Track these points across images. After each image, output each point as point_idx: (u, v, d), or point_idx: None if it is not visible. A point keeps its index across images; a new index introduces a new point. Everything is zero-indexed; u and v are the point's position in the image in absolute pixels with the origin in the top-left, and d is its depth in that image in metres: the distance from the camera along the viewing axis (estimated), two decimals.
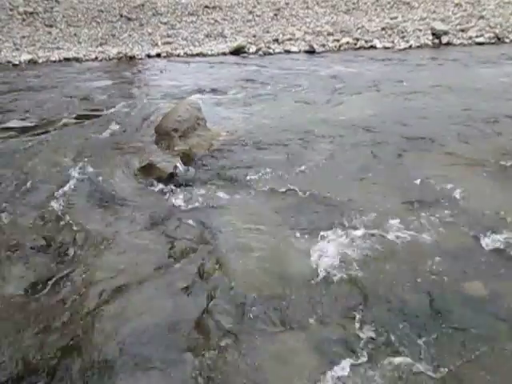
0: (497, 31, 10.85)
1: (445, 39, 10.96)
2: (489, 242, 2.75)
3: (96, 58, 12.62)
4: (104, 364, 2.05)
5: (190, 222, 3.25)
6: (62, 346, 2.16)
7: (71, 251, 2.94)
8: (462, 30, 11.30)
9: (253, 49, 12.07)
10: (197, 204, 3.49)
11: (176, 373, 1.99)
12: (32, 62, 12.29)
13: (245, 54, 11.81)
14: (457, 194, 3.32)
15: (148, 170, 4.02)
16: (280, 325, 2.23)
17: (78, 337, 2.22)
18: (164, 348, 2.13)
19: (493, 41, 10.62)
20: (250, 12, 15.34)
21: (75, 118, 6.20)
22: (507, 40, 10.56)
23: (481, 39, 10.71)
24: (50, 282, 2.65)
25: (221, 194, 3.61)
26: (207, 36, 13.95)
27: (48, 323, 2.32)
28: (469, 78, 7.21)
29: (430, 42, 11.06)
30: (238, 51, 11.92)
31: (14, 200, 3.72)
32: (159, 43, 13.52)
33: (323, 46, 11.76)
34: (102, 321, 2.32)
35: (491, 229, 2.85)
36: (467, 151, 4.11)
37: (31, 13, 15.63)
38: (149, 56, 12.55)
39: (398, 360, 1.96)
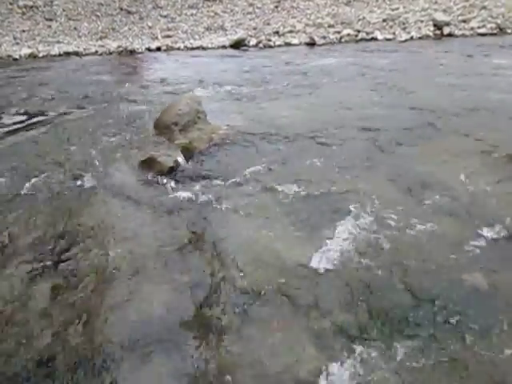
0: (499, 22, 10.75)
1: (446, 30, 10.88)
2: (489, 232, 2.76)
3: (96, 51, 12.60)
4: (104, 357, 2.08)
5: (191, 216, 3.27)
6: (63, 341, 2.19)
7: (71, 245, 2.97)
8: (464, 21, 11.20)
9: (253, 41, 12.01)
10: (197, 198, 3.50)
11: (177, 365, 2.02)
12: (32, 56, 12.28)
13: (245, 47, 11.76)
14: (458, 184, 3.33)
15: (148, 163, 4.03)
16: (282, 317, 2.25)
17: (78, 331, 2.25)
18: (165, 341, 2.15)
19: (495, 31, 10.53)
20: (251, 4, 15.25)
21: (75, 112, 6.22)
22: (509, 30, 10.48)
23: (483, 30, 10.62)
24: (51, 275, 2.68)
25: (221, 188, 3.62)
26: (207, 29, 13.90)
27: (49, 316, 2.35)
28: (474, 68, 7.17)
29: (431, 34, 10.98)
30: (238, 44, 11.86)
31: (14, 195, 3.74)
32: (159, 37, 13.48)
33: (324, 38, 11.69)
34: (102, 315, 2.35)
35: (492, 219, 2.86)
36: (471, 142, 4.10)
37: (31, 7, 15.58)
38: (149, 50, 12.52)
39: (398, 352, 1.98)
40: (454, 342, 2.02)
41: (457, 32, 10.81)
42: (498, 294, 2.29)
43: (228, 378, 1.95)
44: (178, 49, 12.41)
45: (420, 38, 10.87)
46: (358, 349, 2.02)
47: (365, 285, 2.42)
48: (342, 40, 11.56)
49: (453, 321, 2.13)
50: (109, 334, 2.21)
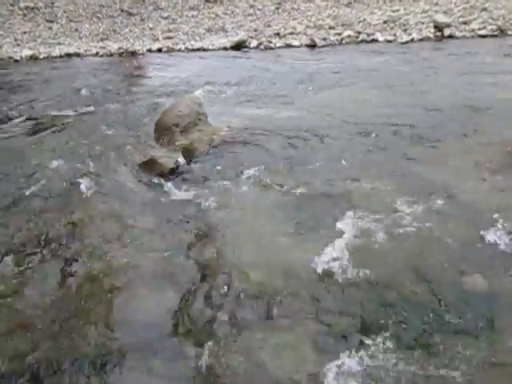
0: (499, 23, 10.73)
1: (447, 32, 10.85)
2: (490, 235, 2.76)
3: (97, 53, 12.60)
4: (106, 358, 2.08)
5: (191, 217, 3.27)
6: (64, 341, 2.19)
7: (73, 247, 2.97)
8: (465, 23, 11.18)
9: (254, 43, 12.00)
10: (198, 199, 3.50)
11: (176, 367, 2.02)
12: (33, 58, 12.28)
13: (246, 49, 11.75)
14: (459, 187, 3.33)
15: (149, 165, 4.04)
16: (282, 319, 2.24)
17: (79, 332, 2.24)
18: (165, 342, 2.15)
19: (495, 33, 10.49)
20: (251, 6, 15.23)
21: (76, 114, 6.22)
22: (510, 32, 10.45)
23: (483, 31, 10.59)
24: (52, 276, 2.67)
25: (222, 189, 3.62)
26: (208, 30, 13.88)
27: (50, 316, 2.35)
28: (475, 69, 7.16)
29: (432, 35, 10.95)
30: (238, 46, 11.85)
31: (15, 196, 3.74)
32: (160, 38, 13.47)
33: (324, 39, 11.68)
34: (103, 315, 2.35)
35: (493, 223, 2.86)
36: (472, 144, 4.10)
37: (32, 8, 15.58)
38: (150, 51, 12.51)
39: (397, 354, 1.98)
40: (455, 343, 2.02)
41: (457, 33, 10.79)
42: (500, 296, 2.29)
43: (228, 377, 1.95)
44: (179, 50, 12.41)
45: (421, 39, 10.84)
46: (359, 349, 2.01)
47: (367, 286, 2.41)
48: (343, 41, 11.55)
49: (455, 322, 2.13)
50: (110, 334, 2.21)
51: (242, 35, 12.54)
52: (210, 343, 2.12)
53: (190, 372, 1.98)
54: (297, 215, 3.17)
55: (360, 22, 12.47)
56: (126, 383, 1.98)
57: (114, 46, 12.88)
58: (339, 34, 11.82)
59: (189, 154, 4.28)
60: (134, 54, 12.41)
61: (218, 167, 4.03)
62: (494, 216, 2.92)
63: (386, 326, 2.13)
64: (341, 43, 11.49)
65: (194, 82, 7.97)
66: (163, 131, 4.64)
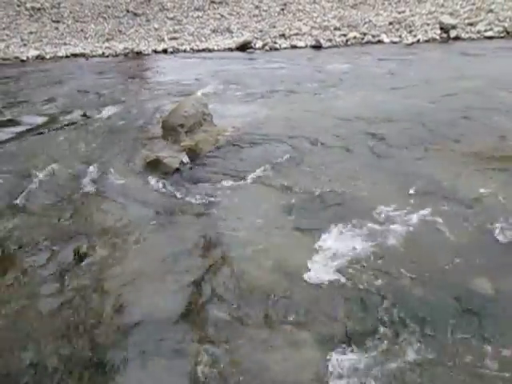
0: (506, 25, 10.70)
1: (453, 33, 10.83)
2: (496, 237, 2.74)
3: (103, 53, 12.67)
4: (107, 357, 2.08)
5: (195, 217, 3.27)
6: (65, 340, 2.19)
7: (77, 246, 2.97)
8: (471, 24, 11.16)
9: (259, 44, 12.03)
10: (202, 199, 3.50)
11: (179, 368, 2.02)
12: (39, 58, 12.37)
13: (251, 50, 11.78)
14: (465, 188, 3.31)
15: (154, 165, 4.05)
16: (284, 320, 2.24)
17: (81, 331, 2.25)
18: (168, 342, 2.15)
19: (502, 35, 10.48)
20: (257, 7, 15.26)
21: (82, 114, 6.24)
22: None
23: (489, 33, 10.57)
24: (56, 276, 2.68)
25: (226, 190, 3.62)
26: (213, 31, 13.92)
27: (52, 316, 2.35)
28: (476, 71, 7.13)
29: (438, 37, 10.94)
30: (244, 46, 11.88)
31: (20, 196, 3.76)
32: (165, 39, 13.53)
33: (330, 40, 11.70)
34: (106, 314, 2.35)
35: (498, 224, 2.84)
36: (477, 145, 4.08)
37: (38, 9, 15.68)
38: (155, 51, 12.57)
39: (401, 356, 1.97)
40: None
41: (463, 35, 10.77)
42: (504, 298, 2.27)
43: (228, 376, 1.95)
44: (184, 51, 12.46)
45: (426, 41, 10.83)
46: (361, 350, 2.01)
47: (368, 286, 2.40)
48: (348, 43, 11.57)
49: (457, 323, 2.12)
50: (112, 333, 2.21)
51: (247, 36, 12.57)
52: (211, 342, 2.11)
53: (191, 371, 1.98)
54: (301, 217, 3.16)
55: (365, 23, 12.48)
56: (127, 382, 1.98)
57: (119, 47, 12.95)
58: (345, 35, 11.84)
59: (194, 154, 4.28)
60: (139, 54, 12.47)
61: (223, 168, 4.03)
62: (501, 216, 2.91)
63: (390, 328, 2.12)
64: (346, 44, 11.50)
65: (199, 83, 7.99)
66: (169, 131, 4.65)
